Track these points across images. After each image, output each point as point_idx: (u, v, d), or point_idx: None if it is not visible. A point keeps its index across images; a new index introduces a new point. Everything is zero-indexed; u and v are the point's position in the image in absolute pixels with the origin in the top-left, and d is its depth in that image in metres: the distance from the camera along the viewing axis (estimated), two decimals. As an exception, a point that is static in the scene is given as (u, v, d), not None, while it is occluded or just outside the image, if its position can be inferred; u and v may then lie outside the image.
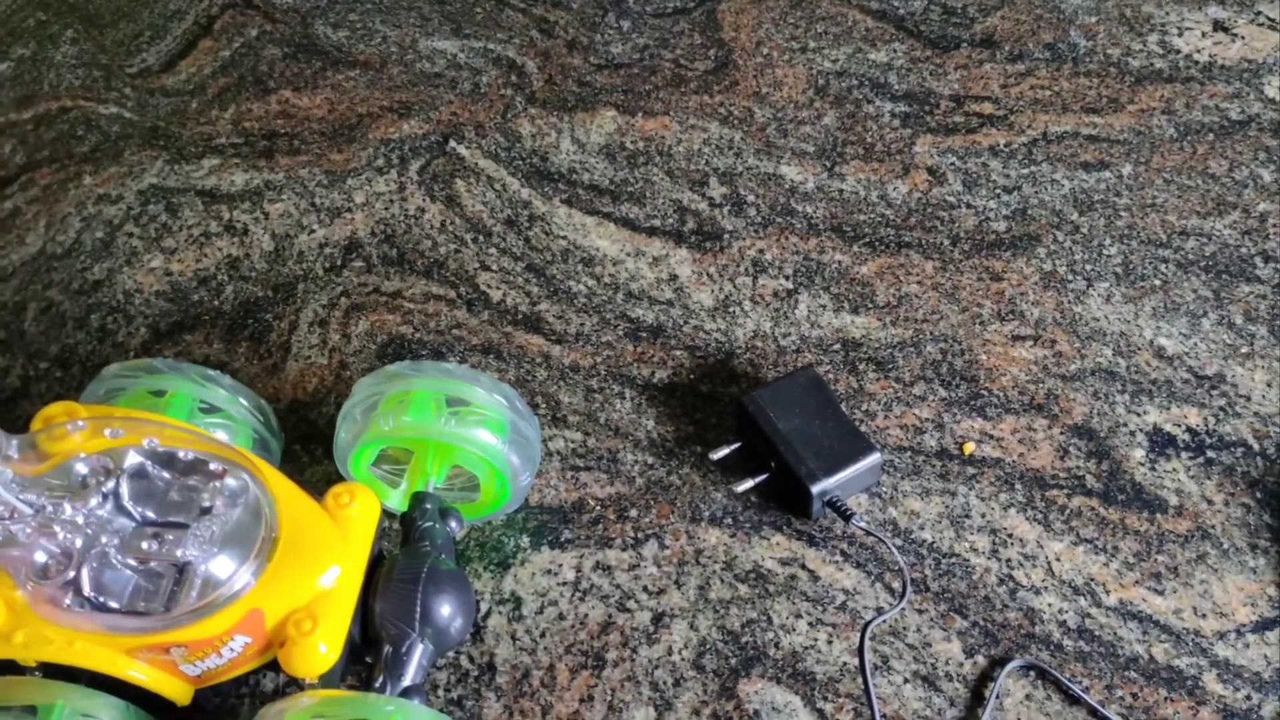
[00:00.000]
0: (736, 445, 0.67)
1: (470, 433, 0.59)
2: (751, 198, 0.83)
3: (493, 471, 0.61)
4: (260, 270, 0.80)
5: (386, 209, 0.84)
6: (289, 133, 0.90)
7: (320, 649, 0.50)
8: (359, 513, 0.55)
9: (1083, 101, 0.89)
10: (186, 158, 0.88)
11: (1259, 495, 0.65)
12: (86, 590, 0.47)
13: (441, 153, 0.88)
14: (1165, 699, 0.58)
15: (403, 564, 0.55)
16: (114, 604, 0.48)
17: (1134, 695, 0.58)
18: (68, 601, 0.47)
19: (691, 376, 0.73)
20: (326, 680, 0.53)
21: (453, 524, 0.60)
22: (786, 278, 0.78)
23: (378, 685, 0.53)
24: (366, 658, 0.55)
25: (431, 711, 0.52)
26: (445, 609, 0.55)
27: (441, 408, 0.59)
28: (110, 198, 0.85)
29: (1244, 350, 0.72)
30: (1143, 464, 0.67)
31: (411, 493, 0.61)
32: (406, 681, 0.54)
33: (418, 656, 0.53)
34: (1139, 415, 0.70)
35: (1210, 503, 0.65)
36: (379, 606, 0.54)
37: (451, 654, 0.61)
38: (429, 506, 0.59)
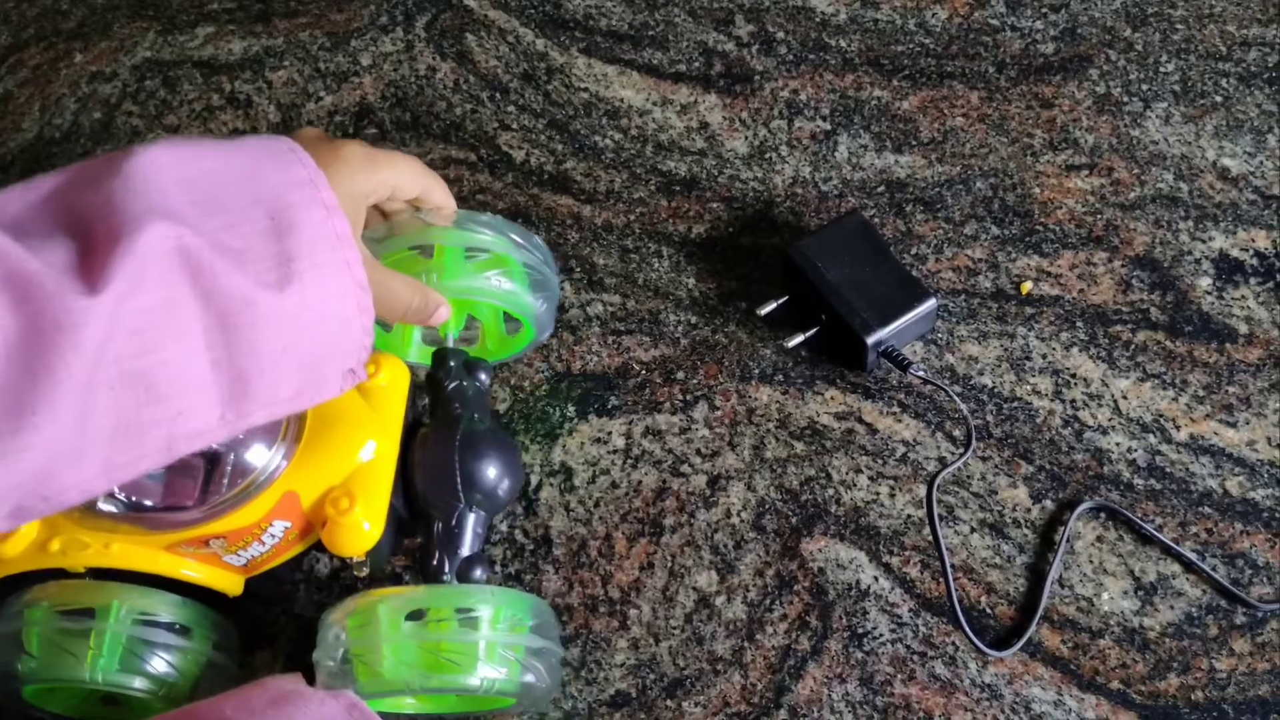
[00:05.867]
0: (784, 299, 0.64)
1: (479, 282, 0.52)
2: (781, 34, 0.78)
3: (497, 315, 0.58)
4: (269, 144, 0.76)
5: (395, 70, 0.79)
6: (284, -6, 0.84)
7: (364, 526, 0.49)
8: (388, 382, 0.53)
9: (1132, -94, 0.83)
10: (179, 27, 0.83)
11: (1334, 319, 0.63)
12: (118, 491, 0.46)
13: (448, 6, 0.82)
14: (1241, 533, 0.57)
15: (436, 434, 0.53)
16: (148, 502, 0.46)
17: (1209, 531, 0.57)
18: (100, 504, 0.46)
19: (731, 229, 0.69)
20: (374, 556, 0.52)
21: (481, 376, 0.57)
22: (824, 118, 0.74)
23: (435, 563, 0.52)
24: (417, 534, 0.54)
25: (529, 596, 0.51)
26: (490, 472, 0.53)
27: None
28: (104, 75, 0.81)
29: (1314, 166, 0.68)
30: (1209, 293, 0.64)
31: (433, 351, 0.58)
32: (465, 552, 0.52)
33: (470, 526, 0.52)
34: (1204, 242, 0.66)
35: (1282, 330, 0.63)
36: (420, 483, 0.52)
37: (505, 529, 0.60)
38: (453, 364, 0.56)
